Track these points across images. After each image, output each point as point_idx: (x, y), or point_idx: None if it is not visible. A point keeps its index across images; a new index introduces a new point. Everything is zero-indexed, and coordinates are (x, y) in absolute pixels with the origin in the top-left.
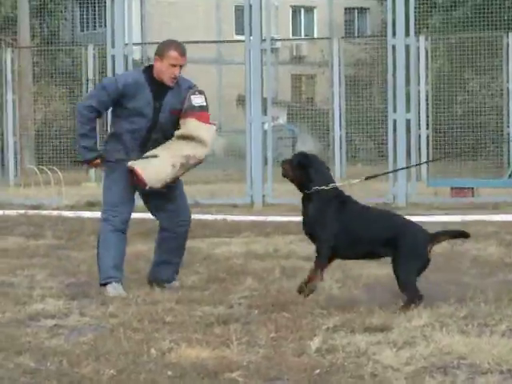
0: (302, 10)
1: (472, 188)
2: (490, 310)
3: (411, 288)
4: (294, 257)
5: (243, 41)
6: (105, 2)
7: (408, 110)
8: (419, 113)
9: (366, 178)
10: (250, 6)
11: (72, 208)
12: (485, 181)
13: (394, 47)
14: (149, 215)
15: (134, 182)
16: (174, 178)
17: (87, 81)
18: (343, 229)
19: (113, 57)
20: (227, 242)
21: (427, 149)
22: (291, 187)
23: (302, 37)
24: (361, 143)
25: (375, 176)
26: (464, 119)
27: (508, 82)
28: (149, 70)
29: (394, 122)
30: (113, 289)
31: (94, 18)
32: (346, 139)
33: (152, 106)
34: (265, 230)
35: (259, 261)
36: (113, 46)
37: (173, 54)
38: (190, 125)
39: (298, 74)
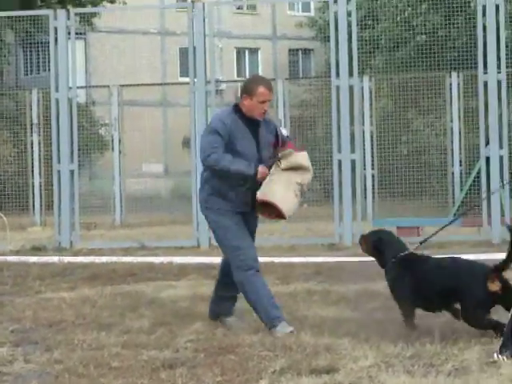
0: (247, 52)
1: (417, 227)
2: (435, 349)
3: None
4: (241, 299)
5: (188, 83)
6: (48, 46)
7: (353, 150)
8: (364, 153)
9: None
10: (194, 48)
11: (17, 253)
12: (430, 220)
13: (338, 88)
14: (93, 259)
15: (268, 214)
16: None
17: (31, 125)
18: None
19: (57, 100)
20: (173, 285)
21: (373, 188)
22: None
23: (247, 78)
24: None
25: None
26: (409, 158)
27: (451, 121)
28: (237, 108)
29: (339, 162)
30: (281, 328)
31: (38, 62)
32: None
33: (254, 143)
34: (211, 272)
35: (206, 303)
36: (57, 90)
37: (262, 90)
38: (290, 155)
39: None
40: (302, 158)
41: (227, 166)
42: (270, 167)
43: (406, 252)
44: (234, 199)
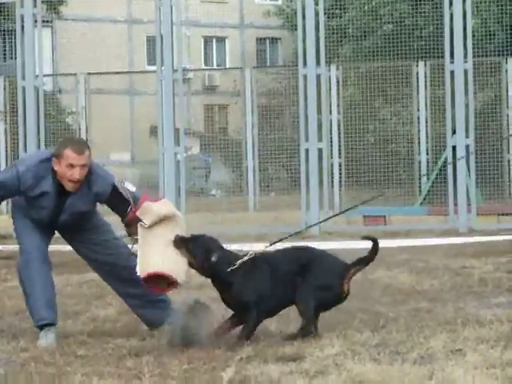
0: (214, 40)
1: (384, 216)
2: (401, 337)
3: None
4: (208, 287)
5: (155, 71)
6: (15, 34)
7: (320, 138)
8: (331, 141)
9: (276, 242)
10: (162, 37)
11: None
12: (397, 208)
13: (305, 76)
14: (59, 247)
15: (159, 289)
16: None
17: None
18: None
19: (23, 88)
20: None
21: (340, 177)
22: (204, 217)
23: (214, 67)
24: (274, 173)
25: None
26: (376, 147)
27: (418, 110)
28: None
29: (307, 151)
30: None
31: (4, 50)
32: (259, 169)
33: (55, 209)
34: None
35: (172, 292)
36: (23, 78)
37: (69, 153)
38: (149, 209)
39: (211, 104)
40: (163, 206)
41: None
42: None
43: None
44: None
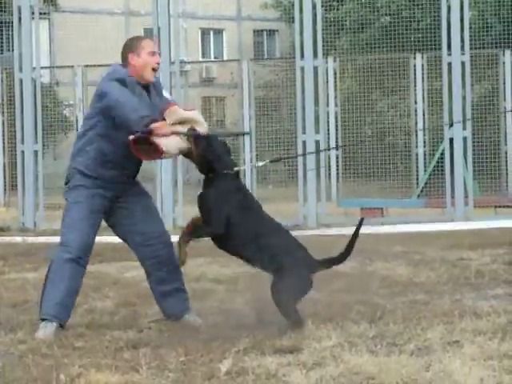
0: (211, 33)
1: (381, 208)
2: (398, 329)
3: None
4: (204, 280)
5: None
6: (12, 26)
7: (317, 131)
8: (329, 134)
9: (271, 161)
10: (159, 29)
11: None
12: (394, 201)
13: (302, 69)
14: (57, 240)
15: (145, 156)
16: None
17: None
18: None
19: (20, 80)
20: (137, 266)
21: (337, 169)
22: None
23: (212, 59)
24: (271, 165)
25: (279, 159)
26: (373, 139)
27: (416, 102)
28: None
29: (304, 143)
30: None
31: (2, 42)
32: (257, 161)
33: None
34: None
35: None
36: (20, 70)
37: (146, 42)
38: (176, 112)
39: (208, 96)
40: (191, 113)
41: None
42: None
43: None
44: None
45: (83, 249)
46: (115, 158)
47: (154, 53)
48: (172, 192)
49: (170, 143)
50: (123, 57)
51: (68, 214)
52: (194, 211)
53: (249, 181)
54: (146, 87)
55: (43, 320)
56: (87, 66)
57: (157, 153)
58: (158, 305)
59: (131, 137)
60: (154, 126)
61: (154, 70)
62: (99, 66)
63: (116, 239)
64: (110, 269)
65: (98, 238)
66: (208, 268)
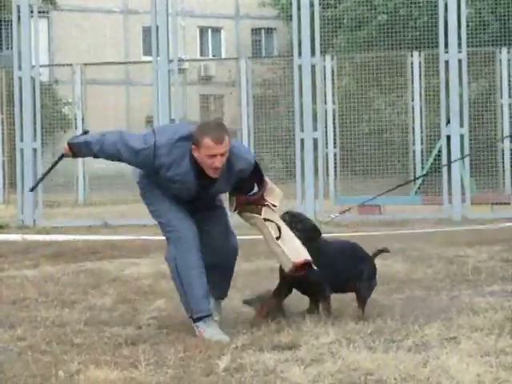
0: (209, 31)
1: (379, 205)
2: (396, 326)
3: None
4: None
5: (151, 61)
6: (11, 24)
7: (315, 128)
8: (326, 131)
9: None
10: (157, 27)
11: None
12: (391, 198)
13: (300, 67)
14: (56, 237)
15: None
16: None
17: None
18: None
19: (20, 79)
20: (136, 263)
21: (335, 167)
22: None
23: (210, 57)
24: (269, 162)
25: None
26: (370, 137)
27: (413, 100)
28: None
29: (302, 140)
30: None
31: (1, 40)
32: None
33: (194, 191)
34: None
35: (168, 281)
36: (19, 69)
37: (207, 142)
38: (272, 191)
39: (207, 95)
40: (273, 186)
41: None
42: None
43: None
44: None
45: (192, 230)
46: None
47: (215, 156)
48: None
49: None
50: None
51: (156, 205)
52: None
53: None
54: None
55: (199, 319)
56: (86, 64)
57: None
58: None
59: (299, 263)
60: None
61: (215, 169)
62: (98, 64)
63: (115, 237)
64: (108, 266)
65: (95, 237)
66: None
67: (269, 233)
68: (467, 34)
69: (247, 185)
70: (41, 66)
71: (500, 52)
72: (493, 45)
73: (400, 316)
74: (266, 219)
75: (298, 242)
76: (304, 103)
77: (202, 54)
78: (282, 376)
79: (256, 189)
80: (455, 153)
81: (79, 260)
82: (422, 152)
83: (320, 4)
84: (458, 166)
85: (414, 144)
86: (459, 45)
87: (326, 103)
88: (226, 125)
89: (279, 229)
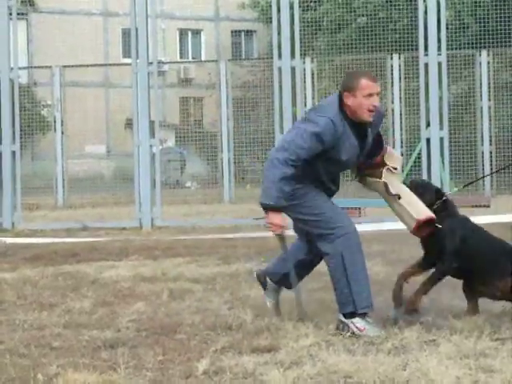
0: (189, 33)
1: (359, 208)
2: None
3: None
4: (182, 279)
5: (130, 64)
6: None
7: None
8: None
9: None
10: (137, 29)
11: None
12: (372, 201)
13: (280, 69)
14: (36, 240)
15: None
16: None
17: None
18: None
19: None
20: (115, 266)
21: None
22: (179, 210)
23: (190, 59)
24: (249, 165)
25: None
26: None
27: (393, 102)
28: (342, 107)
29: None
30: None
31: None
32: (235, 161)
33: (357, 153)
34: (153, 252)
35: (147, 284)
36: None
37: (365, 82)
38: (392, 154)
39: (186, 97)
40: (393, 151)
41: (279, 177)
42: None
43: None
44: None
45: (354, 226)
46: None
47: (372, 95)
48: (150, 192)
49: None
50: (340, 92)
51: (319, 207)
52: (172, 211)
53: (227, 180)
54: (363, 125)
55: (358, 315)
56: (65, 66)
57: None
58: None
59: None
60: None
61: (371, 111)
62: (77, 66)
63: (94, 239)
64: (87, 269)
65: (75, 239)
66: (186, 268)
67: (391, 195)
68: (447, 36)
69: (373, 147)
70: (19, 68)
71: (480, 54)
72: (472, 47)
73: (380, 319)
74: (387, 182)
75: (420, 203)
76: (283, 105)
77: (181, 57)
78: (261, 379)
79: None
80: (435, 156)
81: (58, 263)
82: (401, 155)
83: (300, 6)
84: (439, 167)
85: (393, 146)
86: (439, 47)
87: (305, 105)
88: (206, 127)
89: (400, 191)
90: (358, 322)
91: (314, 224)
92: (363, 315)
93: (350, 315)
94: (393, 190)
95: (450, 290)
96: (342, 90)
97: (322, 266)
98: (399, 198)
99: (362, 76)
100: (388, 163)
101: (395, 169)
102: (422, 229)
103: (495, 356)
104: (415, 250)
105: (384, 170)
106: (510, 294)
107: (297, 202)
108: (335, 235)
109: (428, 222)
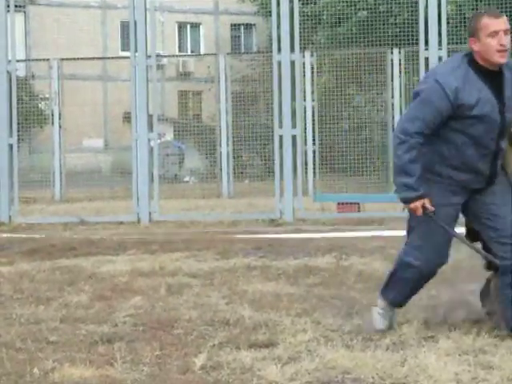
0: (188, 26)
1: (358, 203)
2: None
3: None
4: (180, 274)
5: (129, 57)
6: None
7: (294, 125)
8: (305, 128)
9: None
10: (135, 22)
11: None
12: (371, 196)
13: (279, 63)
14: (33, 234)
15: None
16: None
17: None
18: None
19: None
20: (113, 260)
21: (313, 164)
22: (178, 204)
23: (189, 53)
24: (248, 159)
25: None
26: (350, 134)
27: (393, 97)
28: (471, 58)
29: (281, 137)
30: None
31: None
32: (233, 155)
33: (496, 105)
34: (151, 247)
35: (145, 278)
36: None
37: (486, 21)
38: None
39: (185, 91)
40: None
41: (398, 170)
42: None
43: None
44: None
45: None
46: (456, 161)
47: (497, 32)
48: (148, 186)
49: None
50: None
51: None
52: (170, 205)
53: (225, 175)
54: (498, 73)
55: None
56: (63, 59)
57: None
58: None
59: None
60: None
61: (501, 51)
62: (75, 59)
63: (91, 234)
64: (85, 263)
65: (72, 233)
66: (184, 263)
67: None
68: (448, 31)
69: None
70: (17, 61)
71: None
72: None
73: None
74: None
75: None
76: (283, 100)
77: (180, 50)
78: (258, 374)
79: None
80: None
81: (55, 257)
82: None
83: (299, 0)
84: None
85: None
86: (439, 42)
87: (305, 100)
88: (204, 121)
89: None
90: None
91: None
92: None
93: None
94: None
95: (449, 286)
96: (468, 37)
97: (321, 261)
98: None
99: (483, 15)
100: None
101: None
102: None
103: (494, 353)
104: None
105: None
106: None
107: None
108: None
109: None
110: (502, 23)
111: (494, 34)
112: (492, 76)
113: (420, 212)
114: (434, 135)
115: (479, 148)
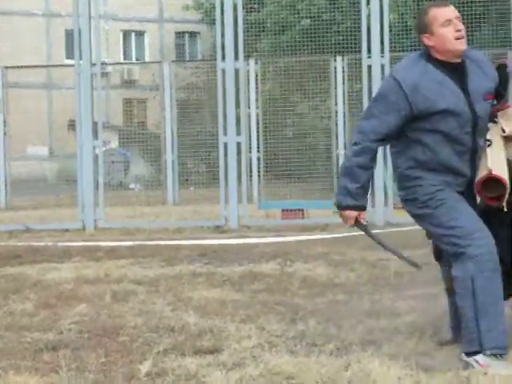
0: (133, 34)
1: (302, 210)
2: (318, 330)
3: None
4: (126, 281)
5: (73, 65)
6: None
7: (238, 132)
8: (250, 135)
9: None
10: (80, 31)
11: None
12: (315, 202)
13: (223, 71)
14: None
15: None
16: None
17: None
18: None
19: None
20: (58, 268)
21: (258, 171)
22: (123, 211)
23: (133, 61)
24: (193, 167)
25: None
26: (294, 141)
27: (336, 104)
28: (429, 55)
29: (225, 145)
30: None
31: None
32: (178, 163)
33: (463, 99)
34: (96, 254)
35: (90, 286)
36: None
37: (436, 11)
38: (510, 115)
39: (130, 98)
40: None
41: (343, 172)
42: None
43: None
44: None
45: (491, 245)
46: (433, 163)
47: (450, 20)
48: (93, 194)
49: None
50: (419, 42)
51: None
52: (115, 213)
53: (170, 182)
54: (459, 65)
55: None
56: (7, 67)
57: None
58: None
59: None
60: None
61: (459, 38)
62: (19, 67)
63: (37, 242)
64: (30, 270)
65: (17, 241)
66: (129, 270)
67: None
68: (390, 39)
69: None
70: None
71: None
72: (415, 49)
73: (322, 320)
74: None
75: (503, 161)
76: (227, 107)
77: (125, 58)
78: (203, 380)
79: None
80: (378, 157)
81: (0, 265)
82: (345, 156)
83: (243, 8)
84: (382, 170)
85: (337, 148)
86: (382, 50)
87: (249, 107)
88: (149, 129)
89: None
90: (479, 359)
91: (443, 239)
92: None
93: (473, 353)
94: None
95: (392, 292)
96: (418, 35)
97: (266, 268)
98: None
99: (430, 8)
100: (501, 121)
101: (504, 131)
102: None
103: (436, 356)
104: (358, 252)
105: (492, 125)
106: None
107: (428, 211)
108: (466, 255)
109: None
110: (451, 11)
111: (448, 22)
112: (453, 68)
113: (351, 223)
114: (405, 141)
115: (454, 145)
